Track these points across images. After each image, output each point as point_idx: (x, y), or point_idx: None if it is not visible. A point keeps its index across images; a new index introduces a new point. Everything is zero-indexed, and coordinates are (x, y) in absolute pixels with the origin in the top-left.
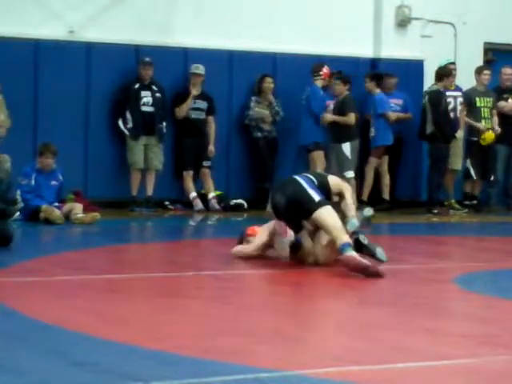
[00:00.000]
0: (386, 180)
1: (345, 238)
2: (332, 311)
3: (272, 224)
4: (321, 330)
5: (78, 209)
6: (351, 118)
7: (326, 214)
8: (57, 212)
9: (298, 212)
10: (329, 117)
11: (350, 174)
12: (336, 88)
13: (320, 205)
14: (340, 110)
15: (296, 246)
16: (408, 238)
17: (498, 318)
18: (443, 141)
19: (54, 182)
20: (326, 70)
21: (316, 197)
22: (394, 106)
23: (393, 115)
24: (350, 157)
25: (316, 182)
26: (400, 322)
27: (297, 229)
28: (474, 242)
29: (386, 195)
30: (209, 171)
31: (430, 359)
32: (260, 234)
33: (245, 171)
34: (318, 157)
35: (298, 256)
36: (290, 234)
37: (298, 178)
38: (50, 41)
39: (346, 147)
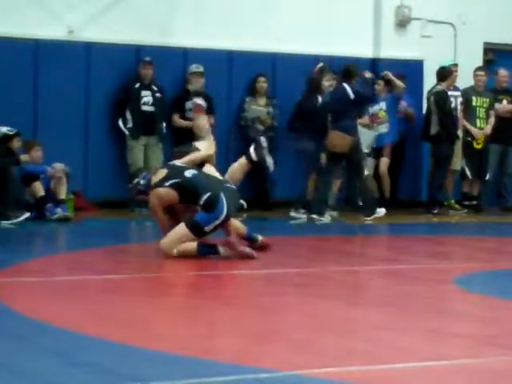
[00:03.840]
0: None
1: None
2: (332, 311)
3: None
4: (320, 331)
5: None
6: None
7: None
8: None
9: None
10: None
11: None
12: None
13: None
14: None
15: None
16: (408, 237)
17: (498, 318)
18: (448, 141)
19: None
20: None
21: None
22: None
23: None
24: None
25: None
26: (400, 321)
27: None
28: (473, 242)
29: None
30: None
31: (430, 359)
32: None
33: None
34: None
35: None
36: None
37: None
38: (49, 41)
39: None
